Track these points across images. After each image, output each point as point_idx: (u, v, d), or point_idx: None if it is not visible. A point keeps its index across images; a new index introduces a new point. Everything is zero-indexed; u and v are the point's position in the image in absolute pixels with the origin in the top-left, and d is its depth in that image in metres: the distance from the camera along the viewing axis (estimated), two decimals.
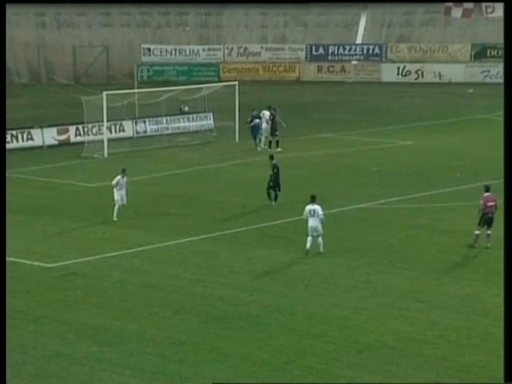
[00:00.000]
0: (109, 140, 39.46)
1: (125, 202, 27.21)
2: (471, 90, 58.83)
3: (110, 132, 41.12)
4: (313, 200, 23.24)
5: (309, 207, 23.16)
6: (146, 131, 43.23)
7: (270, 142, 38.83)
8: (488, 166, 35.06)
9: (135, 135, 42.85)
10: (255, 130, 38.92)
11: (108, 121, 39.97)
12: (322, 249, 23.01)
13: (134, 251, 24.13)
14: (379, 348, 17.49)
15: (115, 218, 26.74)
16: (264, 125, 39.45)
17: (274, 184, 28.45)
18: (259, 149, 38.35)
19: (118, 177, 27.22)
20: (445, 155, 38.07)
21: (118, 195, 26.94)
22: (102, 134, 40.05)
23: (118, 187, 27.02)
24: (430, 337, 18.04)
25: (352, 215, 28.12)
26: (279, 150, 38.13)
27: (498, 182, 32.37)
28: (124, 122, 42.65)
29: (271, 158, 29.24)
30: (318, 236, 23.00)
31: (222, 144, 41.00)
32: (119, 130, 42.42)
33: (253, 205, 29.31)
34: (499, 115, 48.87)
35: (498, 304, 19.98)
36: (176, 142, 41.57)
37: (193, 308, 19.88)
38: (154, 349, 17.50)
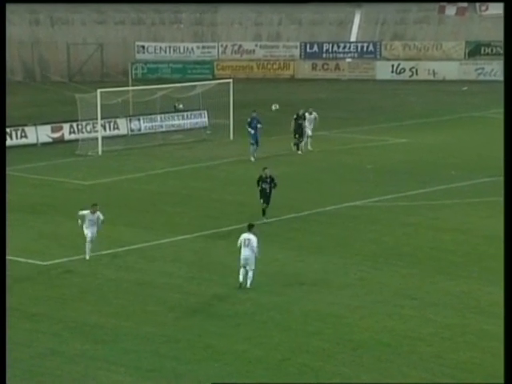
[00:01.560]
0: (103, 138, 39.39)
1: (92, 235, 22.78)
2: (465, 88, 58.89)
3: (104, 130, 41.06)
4: (250, 229, 20.70)
5: (244, 236, 20.57)
6: (140, 129, 43.19)
7: (298, 145, 37.75)
8: (482, 164, 35.12)
9: (129, 133, 42.81)
10: (253, 136, 36.57)
11: (102, 118, 39.89)
12: (249, 284, 20.32)
13: (129, 249, 24.11)
14: (374, 345, 17.52)
15: (87, 257, 22.69)
16: (307, 126, 38.06)
17: (266, 196, 26.52)
18: (253, 159, 36.08)
19: (86, 211, 22.84)
20: (439, 153, 38.11)
21: (89, 232, 22.67)
22: (96, 131, 39.99)
23: (85, 224, 22.62)
24: (425, 334, 18.08)
25: (346, 213, 28.14)
26: (300, 152, 37.60)
27: (493, 180, 32.52)
28: (118, 120, 42.59)
29: (264, 169, 27.10)
30: (249, 270, 20.35)
31: (216, 142, 40.98)
32: (113, 128, 42.36)
33: (247, 202, 29.30)
34: (493, 112, 49.02)
35: (493, 301, 20.03)
36: (170, 140, 41.53)
37: (188, 306, 19.88)
38: (149, 347, 17.50)
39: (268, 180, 26.62)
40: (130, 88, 44.46)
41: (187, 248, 24.43)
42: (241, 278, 20.47)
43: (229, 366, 16.68)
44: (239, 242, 20.69)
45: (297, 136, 37.83)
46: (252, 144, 36.56)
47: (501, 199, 29.44)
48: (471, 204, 29.09)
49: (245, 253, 20.40)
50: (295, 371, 16.40)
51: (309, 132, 38.36)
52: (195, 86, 44.84)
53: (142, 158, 37.95)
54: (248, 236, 20.57)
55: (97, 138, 39.20)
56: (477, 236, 25.40)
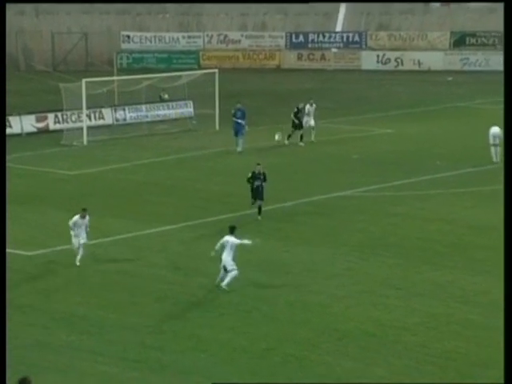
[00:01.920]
0: (88, 128, 39.24)
1: (83, 241, 21.75)
2: (450, 78, 58.99)
3: (90, 119, 40.89)
4: (231, 231, 20.13)
5: (224, 239, 20.01)
6: (125, 119, 43.04)
7: (302, 136, 37.34)
8: (467, 154, 35.23)
9: (114, 123, 42.65)
10: (238, 127, 36.11)
11: (87, 108, 39.73)
12: (224, 283, 19.75)
13: (115, 239, 24.06)
14: (359, 335, 17.58)
15: (78, 263, 21.64)
16: (305, 118, 37.66)
17: (259, 193, 25.79)
18: (239, 149, 35.74)
19: (76, 217, 21.84)
20: (424, 143, 38.19)
21: (80, 239, 21.66)
22: (81, 121, 39.81)
23: (75, 230, 21.70)
24: (410, 324, 18.14)
25: (333, 203, 28.17)
26: (302, 144, 37.32)
27: (478, 170, 32.63)
28: (103, 110, 42.42)
29: (257, 165, 26.33)
30: (229, 271, 19.79)
31: (201, 132, 40.90)
32: (98, 118, 42.19)
33: (234, 192, 29.27)
34: (478, 103, 49.15)
35: (478, 291, 20.14)
36: (156, 130, 41.43)
37: (173, 296, 19.87)
38: (135, 337, 17.48)
39: (261, 177, 25.90)
40: (115, 78, 44.28)
41: (173, 238, 24.39)
42: (218, 278, 19.92)
43: (213, 355, 16.70)
44: (218, 244, 20.04)
45: (292, 129, 37.36)
46: (236, 136, 36.16)
47: (485, 189, 29.66)
48: (456, 194, 29.18)
49: (222, 256, 19.90)
50: (279, 360, 16.43)
51: (312, 123, 37.89)
52: (181, 75, 44.73)
53: (128, 148, 37.84)
54: (228, 238, 19.90)
55: (82, 128, 39.03)
56: (462, 226, 25.50)
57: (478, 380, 15.63)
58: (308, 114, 37.99)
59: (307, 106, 38.12)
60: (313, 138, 37.84)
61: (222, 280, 19.88)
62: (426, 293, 20.03)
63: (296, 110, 37.85)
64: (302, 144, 37.33)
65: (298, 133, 37.54)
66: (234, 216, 26.40)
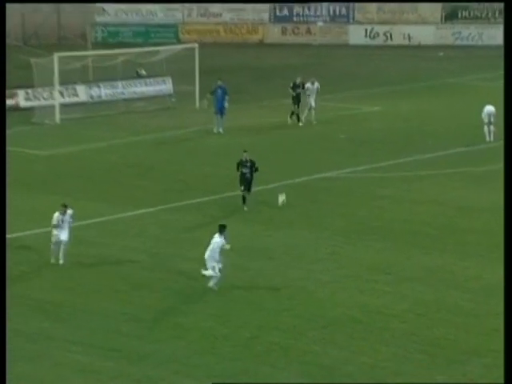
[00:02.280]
0: (61, 105, 39.07)
1: (64, 238, 20.92)
2: (442, 53, 59.09)
3: (62, 96, 40.70)
4: (220, 231, 19.41)
5: (215, 240, 19.32)
6: (100, 96, 42.87)
7: (298, 116, 37.08)
8: (459, 133, 35.39)
9: (89, 100, 42.48)
10: (219, 103, 35.79)
11: (60, 84, 39.55)
12: (211, 284, 19.26)
13: (90, 223, 24.07)
14: (346, 322, 17.73)
15: (61, 261, 20.83)
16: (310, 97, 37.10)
17: (247, 182, 25.24)
18: (215, 130, 35.67)
19: (56, 214, 21.09)
20: (414, 121, 38.32)
21: (60, 233, 20.95)
22: (53, 98, 39.66)
23: (56, 228, 21.02)
24: (398, 310, 18.31)
25: (318, 185, 28.27)
26: (300, 124, 37.09)
27: (469, 150, 32.82)
28: (77, 86, 42.23)
29: (244, 152, 25.81)
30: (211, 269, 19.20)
31: (181, 110, 40.84)
32: (72, 95, 41.99)
33: (214, 174, 29.32)
34: (471, 79, 49.32)
35: (468, 276, 20.33)
36: (133, 108, 41.31)
37: (152, 282, 19.94)
38: (111, 325, 17.55)
39: (248, 164, 25.38)
40: (90, 53, 44.06)
41: (151, 222, 24.44)
42: (205, 272, 19.28)
43: (194, 343, 16.81)
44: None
45: (295, 107, 37.14)
46: (216, 114, 36.02)
47: (477, 169, 29.85)
48: (447, 175, 29.35)
49: (205, 254, 19.24)
50: (263, 349, 16.55)
51: (312, 103, 37.46)
52: (159, 50, 44.53)
53: (103, 126, 37.73)
54: (215, 240, 19.23)
55: (54, 106, 38.89)
56: (453, 208, 25.67)
57: (467, 368, 15.82)
58: (309, 94, 37.37)
59: (308, 85, 37.46)
60: (313, 120, 37.49)
61: (206, 280, 19.18)
62: (415, 278, 20.21)
63: (292, 84, 37.64)
64: (300, 124, 37.05)
65: (297, 110, 37.11)
66: (214, 199, 26.46)
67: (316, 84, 37.88)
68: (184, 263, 21.02)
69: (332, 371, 15.69)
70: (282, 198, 18.60)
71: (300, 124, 37.26)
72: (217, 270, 19.22)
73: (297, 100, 37.41)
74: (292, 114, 37.41)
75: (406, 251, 21.97)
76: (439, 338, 17.02)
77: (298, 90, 37.45)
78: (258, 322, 17.72)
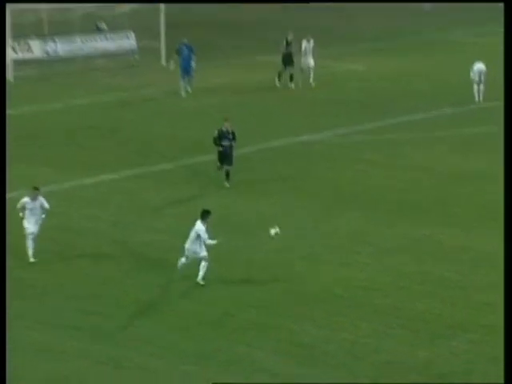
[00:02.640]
0: (14, 61, 38.78)
1: (33, 230, 19.78)
2: (427, 5, 58.99)
3: (15, 52, 40.31)
4: (203, 217, 18.51)
5: (197, 227, 18.43)
6: (57, 52, 42.48)
7: (291, 76, 36.52)
8: (447, 93, 35.50)
9: (45, 56, 42.10)
10: (185, 63, 35.46)
11: (12, 39, 39.20)
12: (200, 278, 18.38)
13: (48, 191, 23.85)
14: (325, 297, 17.81)
15: (31, 259, 19.65)
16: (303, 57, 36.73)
17: (228, 157, 24.11)
18: (183, 94, 35.22)
19: (25, 199, 19.88)
20: (398, 80, 38.37)
21: (28, 223, 19.71)
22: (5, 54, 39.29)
23: (26, 213, 19.77)
24: (381, 284, 18.42)
25: (295, 149, 28.28)
26: (292, 85, 36.58)
27: (456, 111, 32.94)
28: (31, 41, 41.80)
29: (225, 121, 24.62)
30: (200, 260, 18.41)
31: (145, 67, 40.62)
32: (26, 50, 41.58)
33: (182, 137, 29.23)
34: (456, 35, 49.38)
35: (455, 246, 20.49)
36: (93, 65, 41.05)
37: (114, 255, 19.90)
38: (73, 303, 17.51)
39: (230, 136, 24.12)
40: (45, 5, 43.56)
41: (114, 189, 24.36)
42: (179, 265, 18.61)
43: (161, 322, 16.78)
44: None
45: (282, 67, 36.56)
46: (182, 77, 35.62)
47: (465, 131, 29.99)
48: (433, 138, 29.46)
49: (186, 244, 18.51)
50: (238, 328, 16.59)
51: (311, 63, 36.98)
52: (121, 3, 44.21)
53: (61, 85, 37.50)
54: (197, 227, 18.39)
55: (6, 62, 38.53)
56: (440, 174, 25.80)
57: (452, 343, 15.94)
58: (305, 53, 37.05)
59: (304, 44, 37.12)
60: (311, 81, 37.06)
61: (182, 271, 18.63)
62: (398, 249, 20.33)
63: (285, 42, 37.07)
64: (291, 86, 36.68)
65: (290, 70, 36.55)
66: (183, 165, 26.39)
67: (312, 42, 37.38)
68: (148, 234, 20.96)
69: (311, 350, 15.77)
70: (274, 231, 18.47)
71: (292, 86, 36.62)
72: (184, 260, 18.48)
73: (288, 59, 36.77)
74: (279, 75, 36.91)
75: (389, 220, 22.07)
76: (423, 312, 17.16)
77: (290, 48, 36.85)
78: (231, 298, 17.74)
